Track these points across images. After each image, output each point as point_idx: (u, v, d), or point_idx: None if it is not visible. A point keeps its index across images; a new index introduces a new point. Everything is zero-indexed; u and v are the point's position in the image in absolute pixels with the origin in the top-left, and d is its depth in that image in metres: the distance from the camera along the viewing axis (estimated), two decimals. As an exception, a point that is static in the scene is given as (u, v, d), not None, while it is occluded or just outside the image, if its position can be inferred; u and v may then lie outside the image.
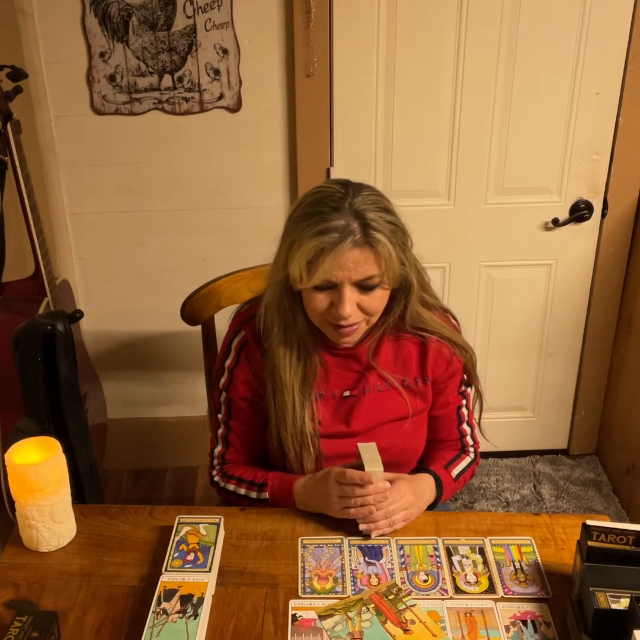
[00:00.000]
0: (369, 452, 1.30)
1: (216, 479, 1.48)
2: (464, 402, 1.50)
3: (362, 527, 1.28)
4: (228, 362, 1.43)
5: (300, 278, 1.25)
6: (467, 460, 1.52)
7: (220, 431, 1.48)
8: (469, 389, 1.50)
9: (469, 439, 1.53)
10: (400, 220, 1.29)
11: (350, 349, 1.40)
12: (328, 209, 1.24)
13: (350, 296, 1.26)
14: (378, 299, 1.30)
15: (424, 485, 1.38)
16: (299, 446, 1.39)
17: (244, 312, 1.45)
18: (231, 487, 1.44)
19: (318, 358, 1.39)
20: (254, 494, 1.41)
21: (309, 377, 1.39)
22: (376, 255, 1.24)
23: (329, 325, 1.32)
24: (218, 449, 1.49)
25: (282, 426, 1.39)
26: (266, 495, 1.39)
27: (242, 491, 1.43)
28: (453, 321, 1.48)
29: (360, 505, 1.26)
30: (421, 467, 1.47)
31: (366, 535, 1.28)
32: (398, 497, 1.28)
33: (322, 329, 1.35)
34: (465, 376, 1.48)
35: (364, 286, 1.26)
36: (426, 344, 1.42)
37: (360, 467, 1.28)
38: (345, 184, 1.28)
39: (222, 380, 1.45)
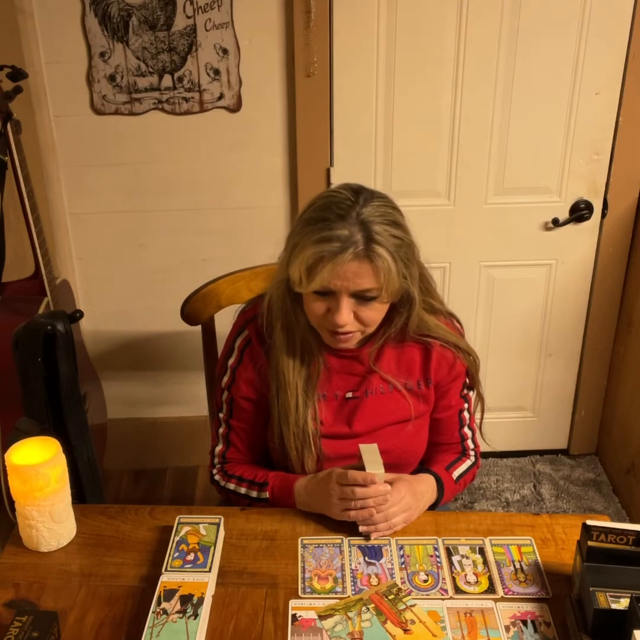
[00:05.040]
0: (370, 453, 1.30)
1: (216, 477, 1.48)
2: (466, 405, 1.50)
3: (362, 528, 1.28)
4: (231, 361, 1.43)
5: (300, 282, 1.26)
6: (467, 463, 1.52)
7: (221, 430, 1.48)
8: (471, 393, 1.50)
9: (469, 443, 1.53)
10: (409, 234, 1.28)
11: (353, 351, 1.40)
12: (334, 217, 1.22)
13: (347, 306, 1.26)
14: (375, 311, 1.30)
15: (425, 486, 1.38)
16: (300, 445, 1.39)
17: (247, 312, 1.45)
18: (231, 486, 1.44)
19: (321, 358, 1.39)
20: (254, 494, 1.41)
21: (313, 377, 1.39)
22: (375, 269, 1.23)
23: (325, 329, 1.32)
24: (219, 447, 1.49)
25: (285, 425, 1.39)
26: (266, 494, 1.39)
27: (243, 490, 1.43)
28: (457, 325, 1.47)
29: (361, 507, 1.27)
30: (422, 468, 1.47)
31: (366, 537, 1.28)
32: (398, 499, 1.28)
33: (319, 331, 1.35)
34: (467, 380, 1.48)
35: (361, 297, 1.26)
36: (429, 348, 1.42)
37: (361, 468, 1.28)
38: (357, 192, 1.26)
39: (225, 379, 1.45)
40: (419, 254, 1.32)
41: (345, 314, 1.26)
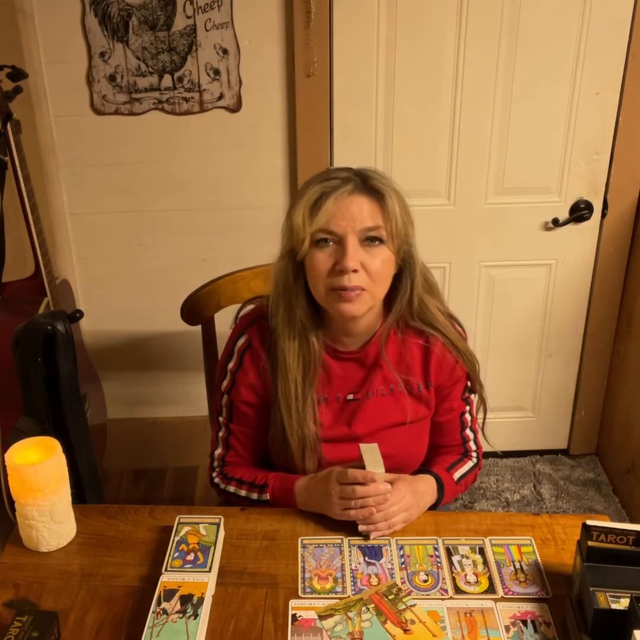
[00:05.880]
0: (371, 453, 1.30)
1: (216, 480, 1.48)
2: (468, 408, 1.50)
3: (361, 528, 1.28)
4: (230, 365, 1.43)
5: (303, 225, 1.26)
6: (469, 464, 1.51)
7: (221, 434, 1.48)
8: (472, 395, 1.50)
9: (471, 444, 1.52)
10: (404, 195, 1.32)
11: (354, 353, 1.40)
12: (333, 171, 1.30)
13: (354, 248, 1.25)
14: (382, 261, 1.28)
15: (425, 486, 1.38)
16: (301, 442, 1.38)
17: (247, 315, 1.45)
18: (231, 488, 1.44)
19: (318, 345, 1.37)
20: (254, 496, 1.41)
21: (309, 366, 1.36)
22: (381, 206, 1.26)
23: (333, 292, 1.28)
24: (218, 451, 1.49)
25: (286, 412, 1.37)
26: (267, 496, 1.39)
27: (243, 493, 1.42)
28: (458, 328, 1.46)
29: (361, 506, 1.26)
30: (423, 468, 1.47)
31: (365, 536, 1.28)
32: (398, 498, 1.28)
33: (326, 301, 1.31)
34: (468, 383, 1.47)
35: (367, 241, 1.26)
36: (430, 348, 1.41)
37: (362, 467, 1.28)
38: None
39: (225, 383, 1.44)
40: (414, 229, 1.34)
41: (352, 254, 1.24)
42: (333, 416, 1.42)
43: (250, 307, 1.46)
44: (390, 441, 1.41)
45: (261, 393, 1.42)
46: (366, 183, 1.27)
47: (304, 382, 1.37)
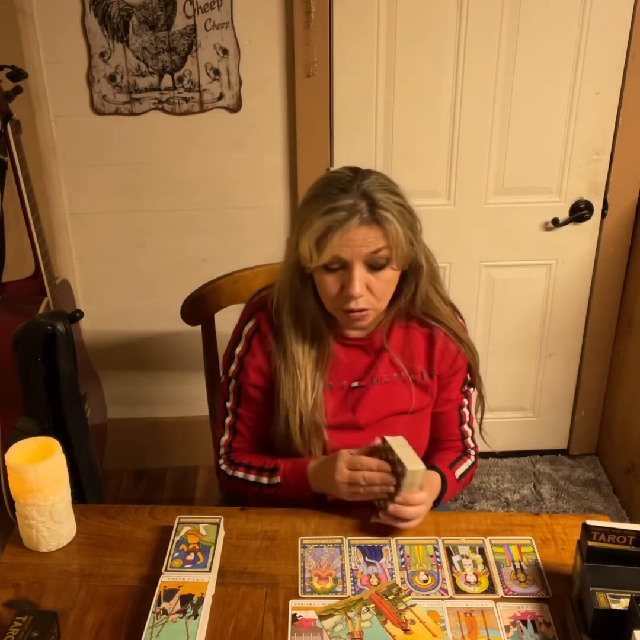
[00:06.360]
0: (403, 448, 1.26)
1: (223, 467, 1.47)
2: (466, 401, 1.51)
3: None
4: (238, 350, 1.44)
5: (310, 257, 1.27)
6: (468, 462, 1.52)
7: (228, 420, 1.48)
8: (471, 390, 1.51)
9: (470, 441, 1.53)
10: (408, 203, 1.31)
11: (360, 340, 1.41)
12: (336, 191, 1.27)
13: (360, 275, 1.27)
14: (387, 282, 1.31)
15: (435, 485, 1.39)
16: (306, 432, 1.38)
17: (255, 302, 1.46)
18: (240, 474, 1.44)
19: (330, 342, 1.39)
20: (264, 480, 1.40)
21: (322, 360, 1.39)
22: (384, 233, 1.26)
23: (340, 310, 1.32)
24: (225, 437, 1.48)
25: (291, 408, 1.38)
26: (278, 479, 1.38)
27: (252, 477, 1.42)
28: (460, 319, 1.48)
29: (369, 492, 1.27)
30: (428, 465, 1.47)
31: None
32: (425, 499, 1.29)
33: (334, 314, 1.36)
34: (468, 376, 1.48)
35: (373, 265, 1.28)
36: (434, 337, 1.42)
37: (392, 462, 1.25)
38: (355, 170, 1.32)
39: (232, 368, 1.45)
40: (421, 228, 1.34)
41: (359, 283, 1.27)
42: (337, 403, 1.43)
43: (257, 297, 1.48)
44: (393, 430, 1.41)
45: (268, 376, 1.42)
46: (373, 212, 1.25)
47: (314, 374, 1.38)
